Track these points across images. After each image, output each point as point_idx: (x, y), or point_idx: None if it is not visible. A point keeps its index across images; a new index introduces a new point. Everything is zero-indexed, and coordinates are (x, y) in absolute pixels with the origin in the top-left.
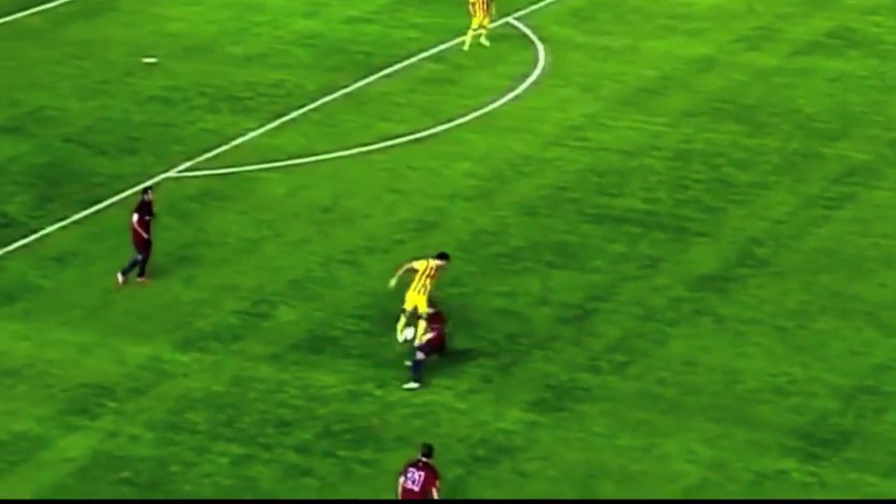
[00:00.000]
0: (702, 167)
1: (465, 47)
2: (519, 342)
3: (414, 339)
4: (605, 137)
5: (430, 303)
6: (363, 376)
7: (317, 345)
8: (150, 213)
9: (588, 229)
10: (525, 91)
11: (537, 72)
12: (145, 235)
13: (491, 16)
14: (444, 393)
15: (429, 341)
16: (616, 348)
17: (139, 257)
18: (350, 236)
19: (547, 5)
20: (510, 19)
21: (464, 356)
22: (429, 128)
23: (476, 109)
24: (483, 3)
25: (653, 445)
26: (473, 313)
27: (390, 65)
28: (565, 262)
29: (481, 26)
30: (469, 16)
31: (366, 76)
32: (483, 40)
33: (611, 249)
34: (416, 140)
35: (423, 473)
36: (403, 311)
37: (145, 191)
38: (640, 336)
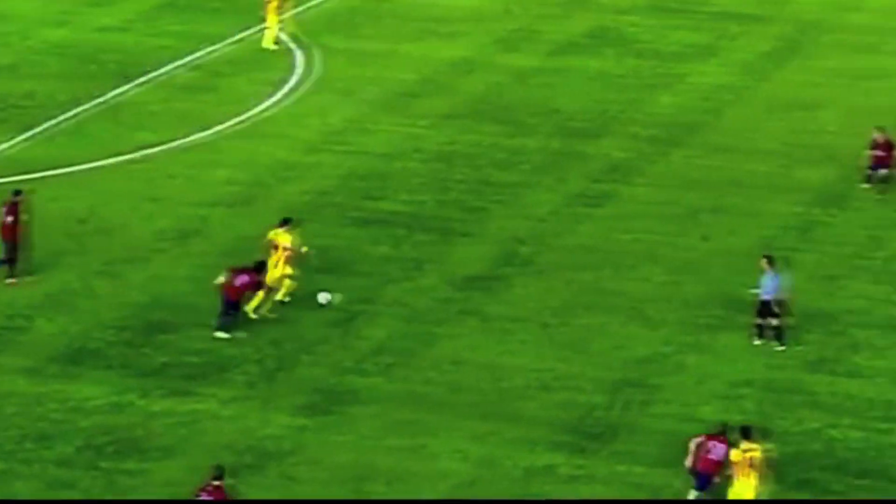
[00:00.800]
0: (464, 168)
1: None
2: (284, 347)
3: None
4: (367, 141)
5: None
6: (125, 387)
7: (76, 357)
8: (17, 213)
9: (352, 233)
10: (285, 97)
11: (296, 77)
12: (16, 237)
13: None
14: (209, 401)
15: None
16: (382, 350)
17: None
18: (107, 247)
19: (304, 11)
20: (268, 25)
21: (228, 363)
22: (187, 136)
23: (235, 116)
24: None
25: (421, 445)
26: (237, 319)
27: (145, 73)
28: (330, 266)
29: (273, 26)
30: (268, 13)
31: (120, 85)
32: (266, 43)
33: (375, 252)
34: (174, 148)
35: (212, 498)
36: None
37: (17, 192)
38: (407, 337)
